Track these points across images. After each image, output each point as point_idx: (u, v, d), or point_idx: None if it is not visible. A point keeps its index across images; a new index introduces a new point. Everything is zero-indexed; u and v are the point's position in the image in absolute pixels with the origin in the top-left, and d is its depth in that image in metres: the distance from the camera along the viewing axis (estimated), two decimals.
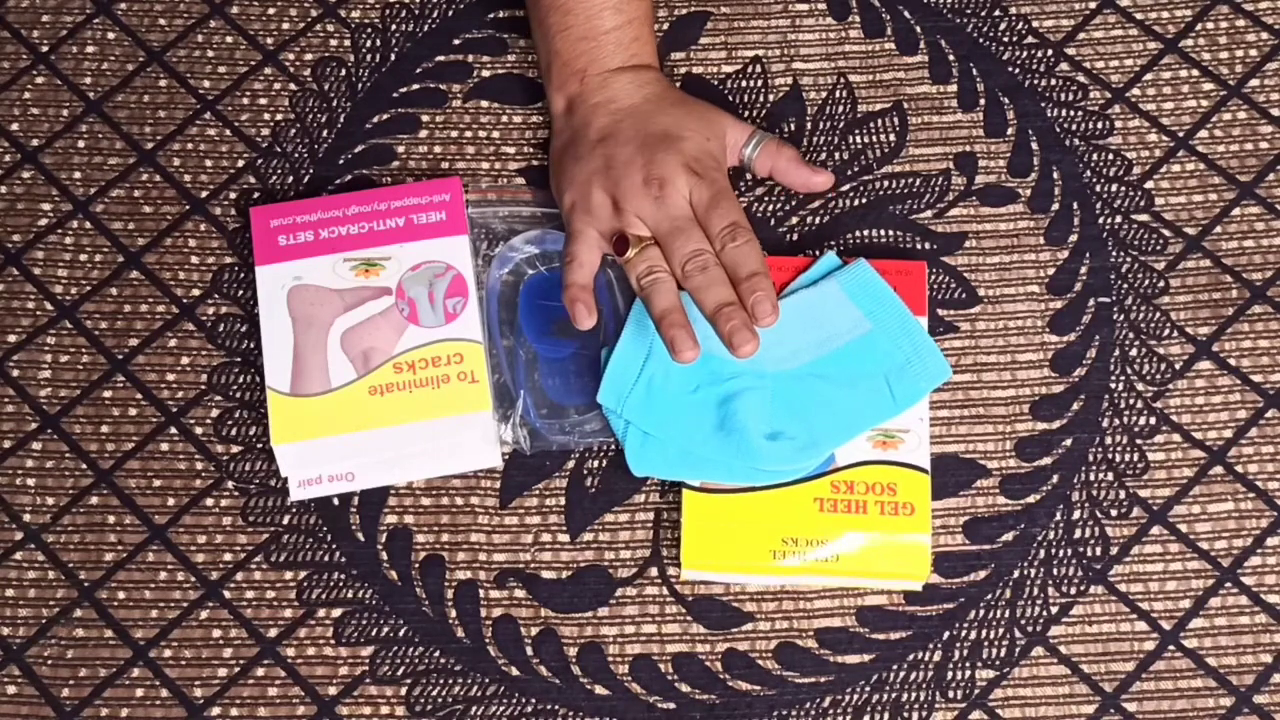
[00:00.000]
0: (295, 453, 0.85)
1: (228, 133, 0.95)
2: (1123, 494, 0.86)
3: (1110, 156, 0.93)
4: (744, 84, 0.95)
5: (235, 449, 0.87)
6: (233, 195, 0.93)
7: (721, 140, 0.89)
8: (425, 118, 0.95)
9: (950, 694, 0.82)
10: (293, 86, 0.96)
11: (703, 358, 0.84)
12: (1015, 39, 0.96)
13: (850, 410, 0.84)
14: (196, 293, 0.91)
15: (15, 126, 0.95)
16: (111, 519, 0.86)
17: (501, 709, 0.82)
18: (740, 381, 0.85)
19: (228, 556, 0.86)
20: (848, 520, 0.83)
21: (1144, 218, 0.91)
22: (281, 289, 0.87)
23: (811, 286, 0.87)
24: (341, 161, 0.94)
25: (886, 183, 0.92)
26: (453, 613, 0.84)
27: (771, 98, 0.95)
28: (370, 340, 0.86)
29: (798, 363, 0.86)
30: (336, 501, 0.86)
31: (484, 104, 0.95)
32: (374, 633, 0.84)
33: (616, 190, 0.85)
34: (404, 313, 0.87)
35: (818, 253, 0.90)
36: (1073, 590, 0.84)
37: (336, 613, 0.84)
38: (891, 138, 0.93)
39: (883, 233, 0.91)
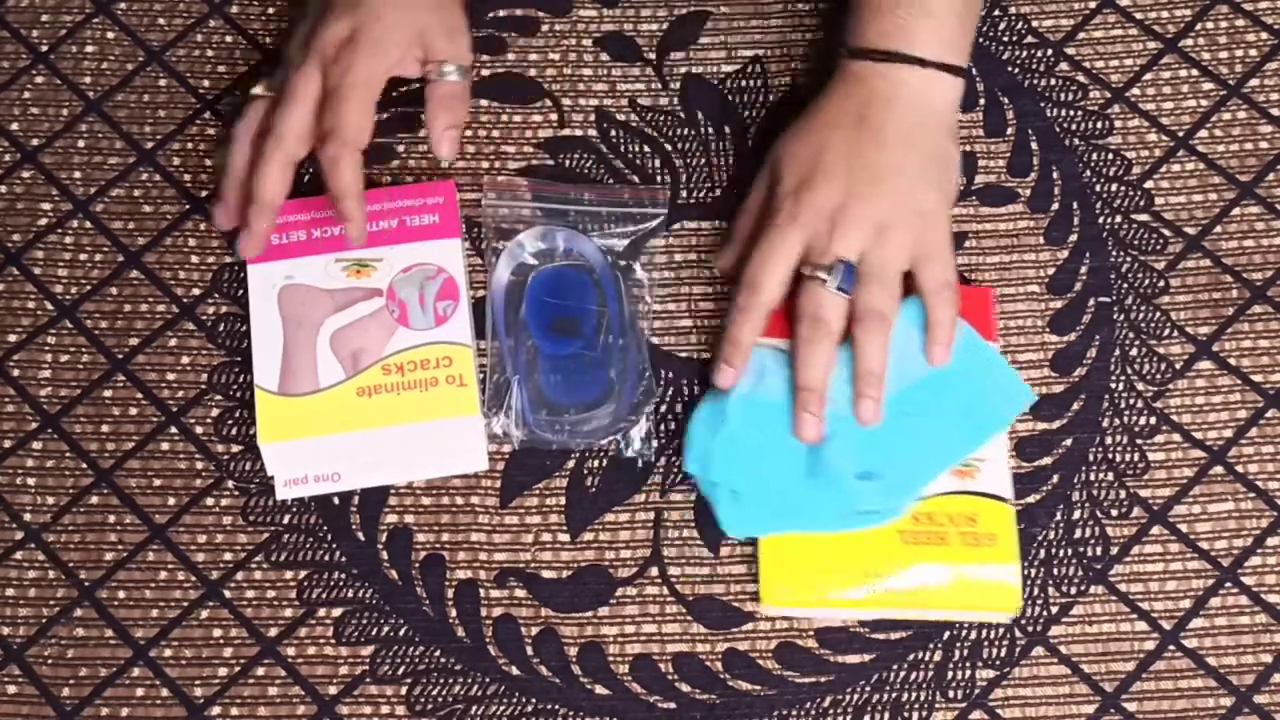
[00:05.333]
0: (282, 452, 0.84)
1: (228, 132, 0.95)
2: (1123, 494, 0.86)
3: (1110, 156, 0.93)
4: (744, 84, 0.95)
5: (235, 449, 0.87)
6: None
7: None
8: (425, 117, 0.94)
9: (950, 694, 0.82)
10: None
11: (782, 405, 0.83)
12: (1015, 39, 0.96)
13: (937, 444, 0.83)
14: (197, 292, 0.91)
15: (15, 126, 0.95)
16: (112, 518, 0.86)
17: (502, 709, 0.82)
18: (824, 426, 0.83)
19: (228, 556, 0.86)
20: (930, 551, 0.81)
21: (1144, 217, 0.91)
22: (273, 288, 0.87)
23: None
24: None
25: None
26: (453, 612, 0.84)
27: (771, 98, 0.95)
28: (360, 341, 0.86)
29: None
30: (337, 501, 0.86)
31: (484, 104, 0.95)
32: (374, 632, 0.84)
33: None
34: (394, 314, 0.86)
35: None
36: (1073, 590, 0.84)
37: (337, 612, 0.84)
38: None
39: None
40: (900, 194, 0.82)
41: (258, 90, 0.87)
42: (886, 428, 0.82)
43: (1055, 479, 0.86)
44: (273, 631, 0.84)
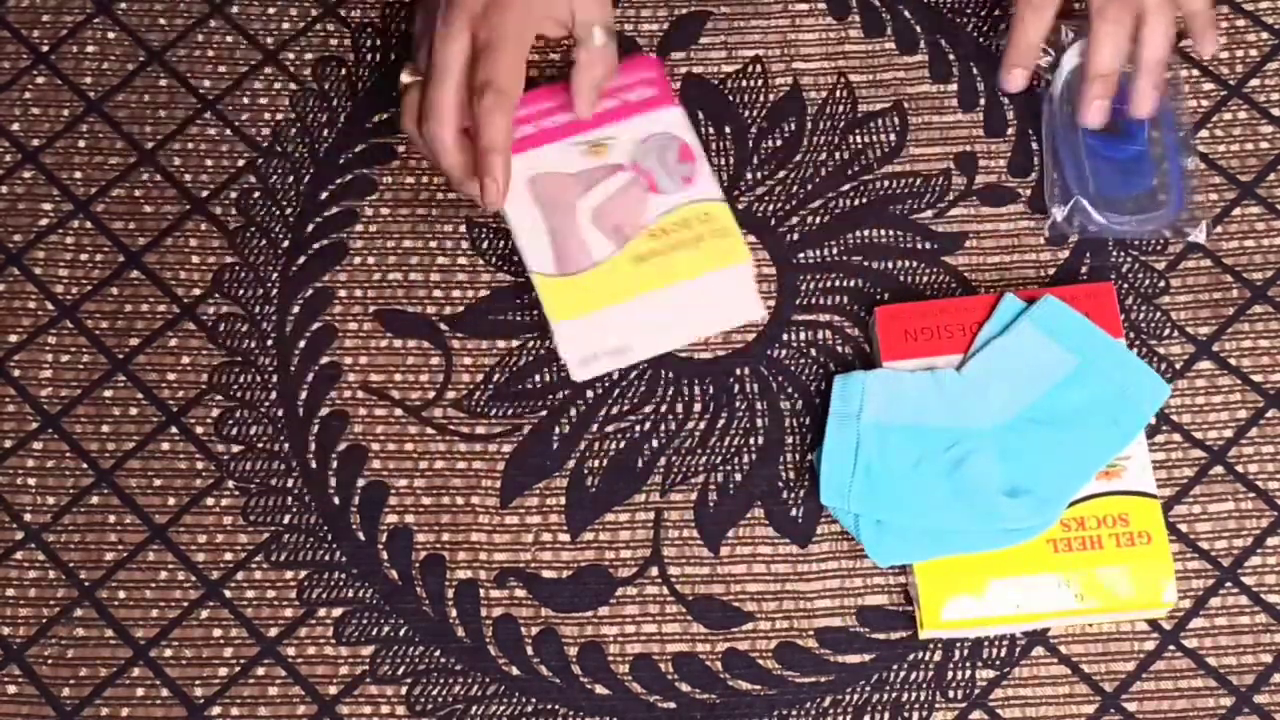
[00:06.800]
0: (574, 330, 0.84)
1: (228, 132, 0.95)
2: None
3: None
4: (744, 84, 0.95)
5: (235, 449, 0.88)
6: (233, 195, 0.93)
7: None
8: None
9: (950, 694, 0.82)
10: (293, 86, 0.96)
11: (915, 428, 0.83)
12: None
13: (1080, 451, 0.82)
14: (197, 292, 0.91)
15: (16, 126, 0.95)
16: (112, 518, 0.87)
17: (502, 708, 0.82)
18: (962, 446, 0.83)
19: (228, 556, 0.86)
20: (1084, 558, 0.81)
21: None
22: (522, 182, 0.86)
23: (1004, 333, 0.85)
24: (342, 161, 0.94)
25: (886, 183, 0.93)
26: (453, 612, 0.84)
27: (771, 97, 0.95)
28: (619, 214, 0.85)
29: (1013, 413, 0.83)
30: (338, 502, 0.86)
31: None
32: (374, 632, 0.84)
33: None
34: (643, 185, 0.86)
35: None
36: None
37: (337, 612, 0.84)
38: (891, 137, 0.94)
39: (883, 233, 0.91)
40: None
41: (406, 78, 0.86)
42: (1025, 441, 0.82)
43: None
44: (273, 631, 0.84)
